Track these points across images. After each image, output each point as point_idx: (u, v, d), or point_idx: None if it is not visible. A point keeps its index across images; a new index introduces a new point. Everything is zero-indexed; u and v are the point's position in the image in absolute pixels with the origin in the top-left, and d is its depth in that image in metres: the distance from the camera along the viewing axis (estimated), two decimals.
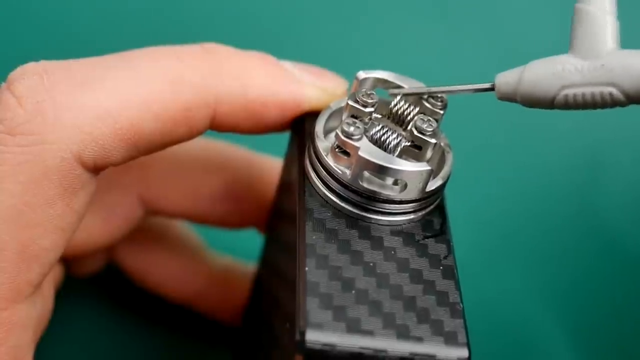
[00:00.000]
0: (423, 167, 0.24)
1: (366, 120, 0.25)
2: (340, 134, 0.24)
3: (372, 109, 0.25)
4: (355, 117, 0.25)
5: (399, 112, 0.26)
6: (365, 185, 0.25)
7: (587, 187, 0.41)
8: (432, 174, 0.25)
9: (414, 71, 0.42)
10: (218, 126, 0.28)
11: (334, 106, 0.27)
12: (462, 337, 0.23)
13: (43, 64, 0.26)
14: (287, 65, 0.28)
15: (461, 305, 0.24)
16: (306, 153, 0.26)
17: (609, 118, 0.42)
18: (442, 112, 0.26)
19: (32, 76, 0.25)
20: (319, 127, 0.26)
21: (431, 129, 0.25)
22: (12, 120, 0.25)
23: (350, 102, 0.25)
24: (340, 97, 0.28)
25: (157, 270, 0.35)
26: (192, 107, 0.26)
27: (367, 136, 0.25)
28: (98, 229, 0.32)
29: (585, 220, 0.40)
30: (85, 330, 0.37)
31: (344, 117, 0.25)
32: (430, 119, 0.25)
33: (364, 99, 0.25)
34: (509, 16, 0.44)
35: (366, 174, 0.25)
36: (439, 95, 0.26)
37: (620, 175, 0.41)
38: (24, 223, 0.25)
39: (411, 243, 0.25)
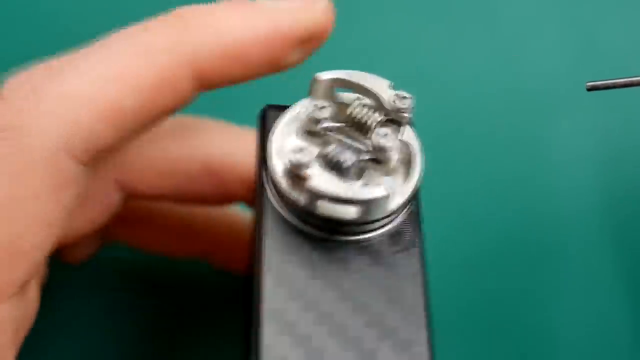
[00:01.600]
0: (379, 193, 0.23)
1: (322, 132, 0.24)
2: (288, 162, 0.23)
3: (325, 124, 0.24)
4: (311, 132, 0.24)
5: (357, 119, 0.24)
6: (321, 211, 0.23)
7: (589, 185, 0.41)
8: (394, 192, 0.23)
9: (413, 71, 0.43)
10: (207, 83, 0.27)
11: (290, 114, 0.25)
12: (426, 357, 0.22)
13: (27, 66, 0.26)
14: None
15: (429, 327, 0.23)
16: (262, 167, 0.25)
17: (611, 119, 0.42)
18: (407, 115, 0.24)
19: (17, 77, 0.26)
20: (274, 145, 0.24)
21: (391, 144, 0.23)
22: None
23: (303, 119, 0.24)
24: (322, 12, 0.27)
25: (158, 238, 0.35)
26: (168, 69, 0.26)
27: (322, 155, 0.24)
28: (76, 218, 0.31)
29: (586, 220, 0.40)
30: (83, 330, 0.37)
31: (296, 133, 0.24)
32: (389, 132, 0.24)
33: (316, 115, 0.24)
34: (509, 16, 0.44)
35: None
36: (405, 96, 0.24)
37: (625, 174, 0.41)
38: (8, 217, 0.25)
39: (379, 261, 0.24)
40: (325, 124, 0.24)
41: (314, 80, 0.25)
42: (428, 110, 0.40)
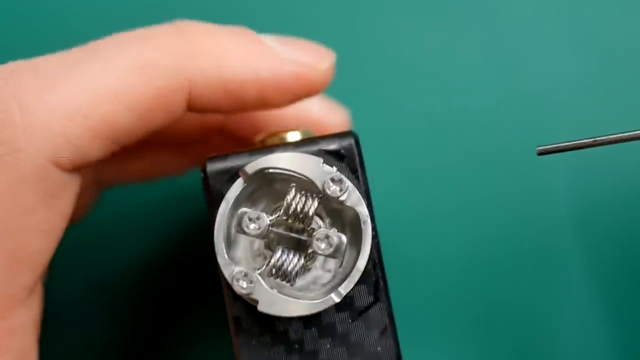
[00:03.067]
0: (324, 304, 0.24)
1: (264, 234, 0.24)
2: (233, 286, 0.24)
3: (259, 232, 0.24)
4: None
5: (294, 211, 0.24)
6: (275, 314, 0.24)
7: (588, 189, 0.41)
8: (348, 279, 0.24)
9: (413, 71, 0.43)
10: (196, 108, 0.27)
11: (231, 194, 0.25)
12: None
13: (10, 65, 0.25)
14: (268, 39, 0.27)
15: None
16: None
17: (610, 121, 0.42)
18: (343, 195, 0.24)
19: None
20: (220, 246, 0.24)
21: (330, 249, 0.24)
22: None
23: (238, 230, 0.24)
24: (324, 72, 0.27)
25: (159, 164, 0.34)
26: (165, 93, 0.25)
27: (267, 267, 0.24)
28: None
29: (578, 224, 0.40)
30: (83, 330, 0.37)
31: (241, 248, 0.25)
32: (329, 234, 0.24)
33: (247, 229, 0.24)
34: (508, 18, 0.44)
35: None
36: (337, 178, 0.24)
37: (625, 178, 0.41)
38: (7, 232, 0.25)
39: (344, 329, 0.25)
40: (258, 232, 0.24)
41: (244, 173, 0.24)
42: (425, 110, 0.40)
